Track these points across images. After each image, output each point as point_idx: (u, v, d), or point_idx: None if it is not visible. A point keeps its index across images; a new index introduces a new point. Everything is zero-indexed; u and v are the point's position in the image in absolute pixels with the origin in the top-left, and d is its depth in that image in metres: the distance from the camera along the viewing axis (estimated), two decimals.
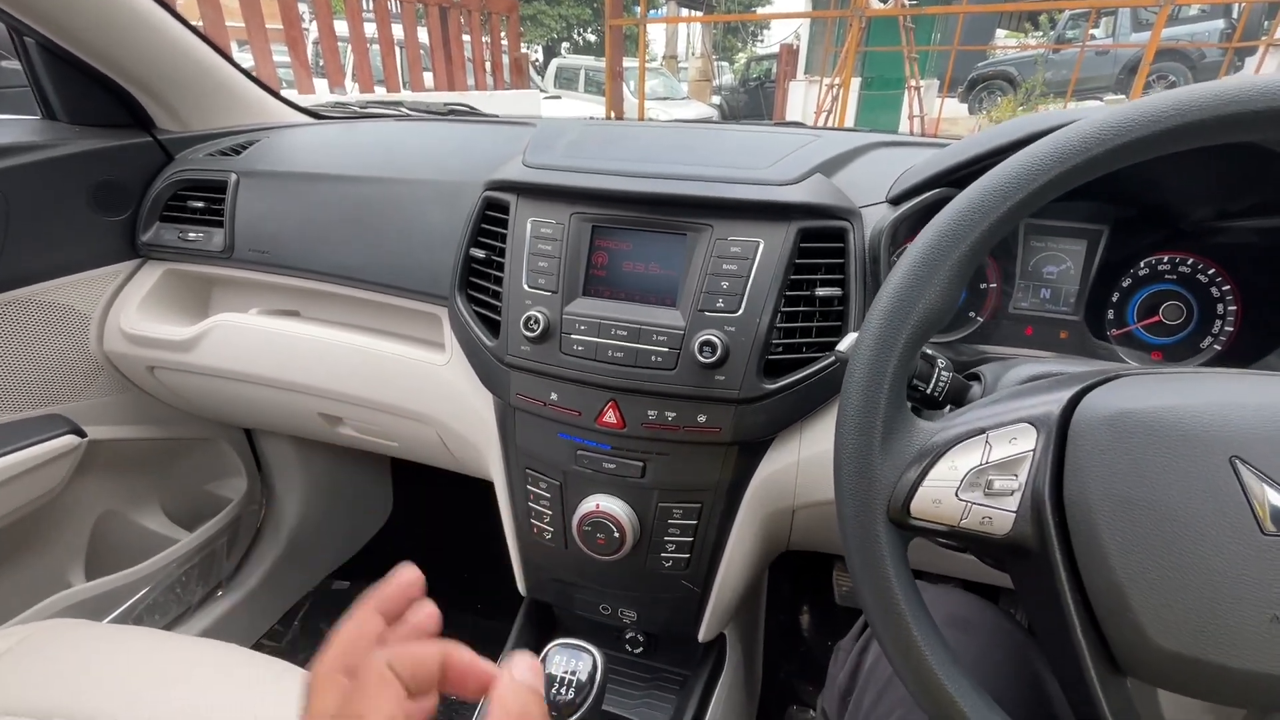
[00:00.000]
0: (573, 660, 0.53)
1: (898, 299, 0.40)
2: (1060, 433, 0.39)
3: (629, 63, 8.32)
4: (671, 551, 0.73)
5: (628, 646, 0.88)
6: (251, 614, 1.30)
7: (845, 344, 0.51)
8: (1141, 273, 0.71)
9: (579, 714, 0.51)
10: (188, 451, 1.23)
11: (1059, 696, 0.52)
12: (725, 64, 16.27)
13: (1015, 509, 0.39)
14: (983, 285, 0.74)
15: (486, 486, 0.88)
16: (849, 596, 1.20)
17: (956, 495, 0.40)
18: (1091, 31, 8.98)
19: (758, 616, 1.10)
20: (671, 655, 0.91)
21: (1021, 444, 0.39)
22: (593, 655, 0.53)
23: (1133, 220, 0.70)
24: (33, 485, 0.91)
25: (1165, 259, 0.70)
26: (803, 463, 0.71)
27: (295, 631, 1.35)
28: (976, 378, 0.51)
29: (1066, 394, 0.40)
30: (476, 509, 1.53)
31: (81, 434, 0.96)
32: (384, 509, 1.59)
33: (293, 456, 1.31)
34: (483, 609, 1.38)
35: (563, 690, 0.51)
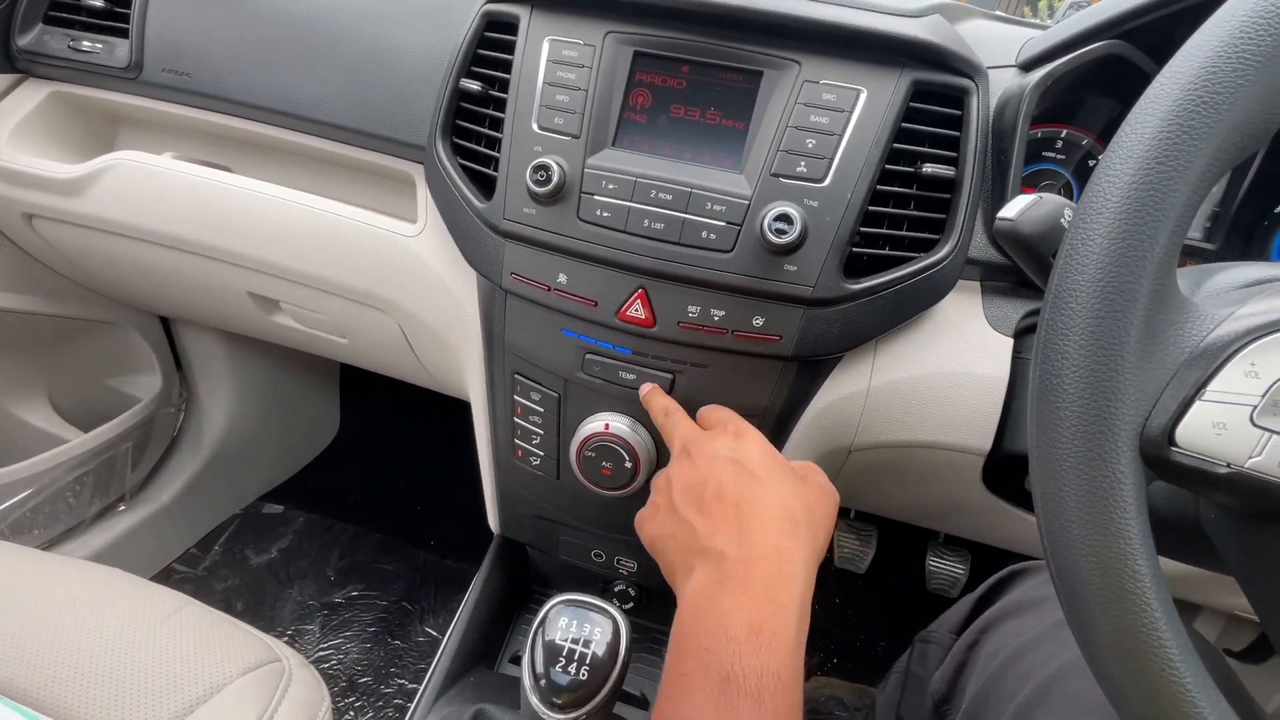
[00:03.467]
0: (584, 626, 0.37)
1: (1208, 85, 0.24)
2: None
3: None
4: None
5: (615, 600, 0.74)
6: (161, 533, 1.11)
7: (1015, 208, 0.35)
8: None
9: (592, 705, 0.35)
10: (85, 336, 1.01)
11: None
12: None
13: None
14: None
15: (453, 404, 0.70)
16: (850, 559, 1.08)
17: (1252, 419, 0.25)
18: None
19: None
20: (662, 613, 0.77)
21: None
22: (613, 619, 0.38)
23: None
24: None
25: None
26: (873, 392, 0.56)
27: (215, 556, 1.17)
28: None
29: None
30: (439, 433, 1.36)
31: None
32: (329, 428, 1.40)
33: (220, 354, 1.10)
34: (437, 546, 1.22)
35: (570, 667, 0.36)
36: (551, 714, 0.34)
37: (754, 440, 0.45)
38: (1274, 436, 0.25)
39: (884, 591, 1.19)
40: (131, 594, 0.59)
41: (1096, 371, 0.25)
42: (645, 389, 0.54)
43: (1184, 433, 0.25)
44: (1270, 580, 0.29)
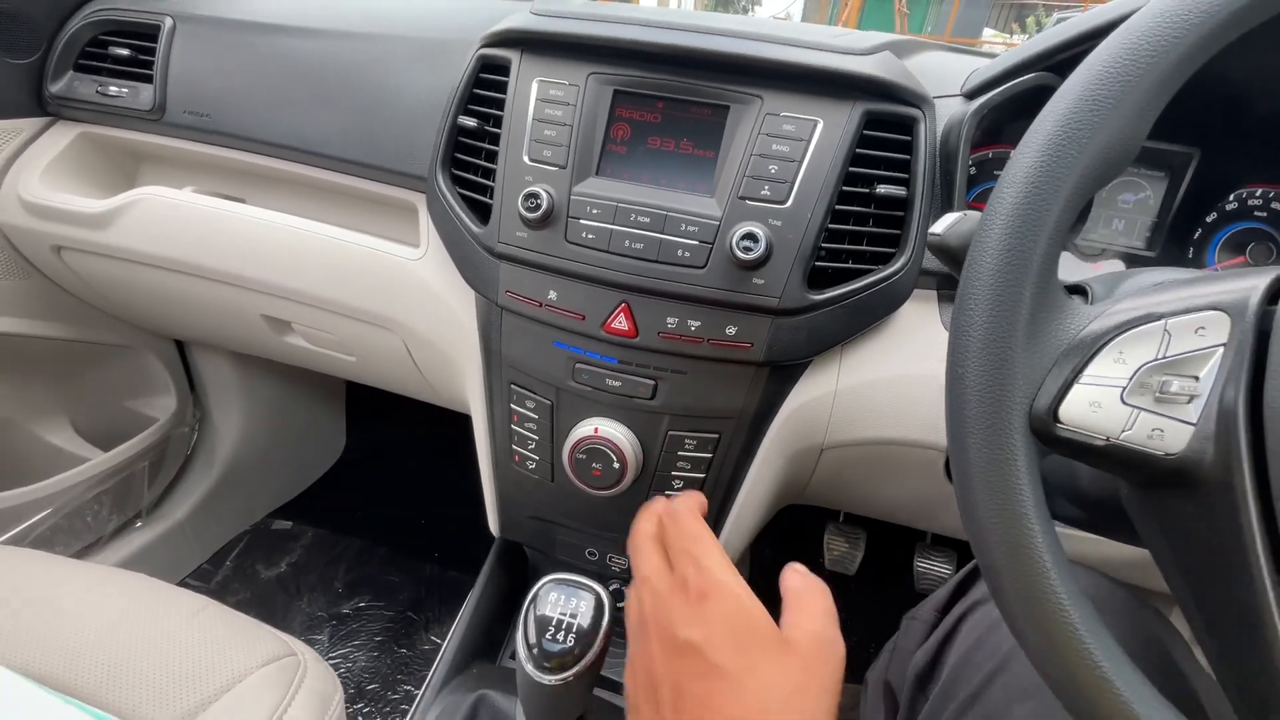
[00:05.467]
0: (571, 599, 0.42)
1: (1072, 123, 0.30)
2: (1260, 326, 0.29)
3: None
4: (679, 489, 0.63)
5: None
6: (175, 549, 1.15)
7: (943, 224, 0.40)
8: (1229, 207, 0.62)
9: (580, 666, 0.40)
10: (106, 360, 1.06)
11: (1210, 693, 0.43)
12: None
13: (1195, 420, 0.29)
14: None
15: (454, 420, 0.75)
16: (839, 561, 1.12)
17: (1122, 399, 0.30)
18: None
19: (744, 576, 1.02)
20: None
21: (1211, 336, 0.29)
22: (596, 594, 0.42)
23: (1231, 144, 0.61)
24: None
25: (1259, 192, 0.61)
26: (841, 393, 0.60)
27: (227, 571, 1.21)
28: (1079, 290, 0.41)
29: (1265, 279, 0.30)
30: (441, 448, 1.41)
31: None
32: (336, 444, 1.44)
33: (232, 376, 1.16)
34: (441, 558, 1.26)
35: (559, 636, 0.40)
36: (543, 676, 0.39)
37: (718, 603, 0.35)
38: (1141, 413, 0.30)
39: (874, 593, 1.23)
40: (158, 596, 0.63)
41: (991, 360, 0.30)
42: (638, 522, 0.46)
43: (1066, 411, 0.30)
44: (1163, 542, 0.34)
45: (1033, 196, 0.30)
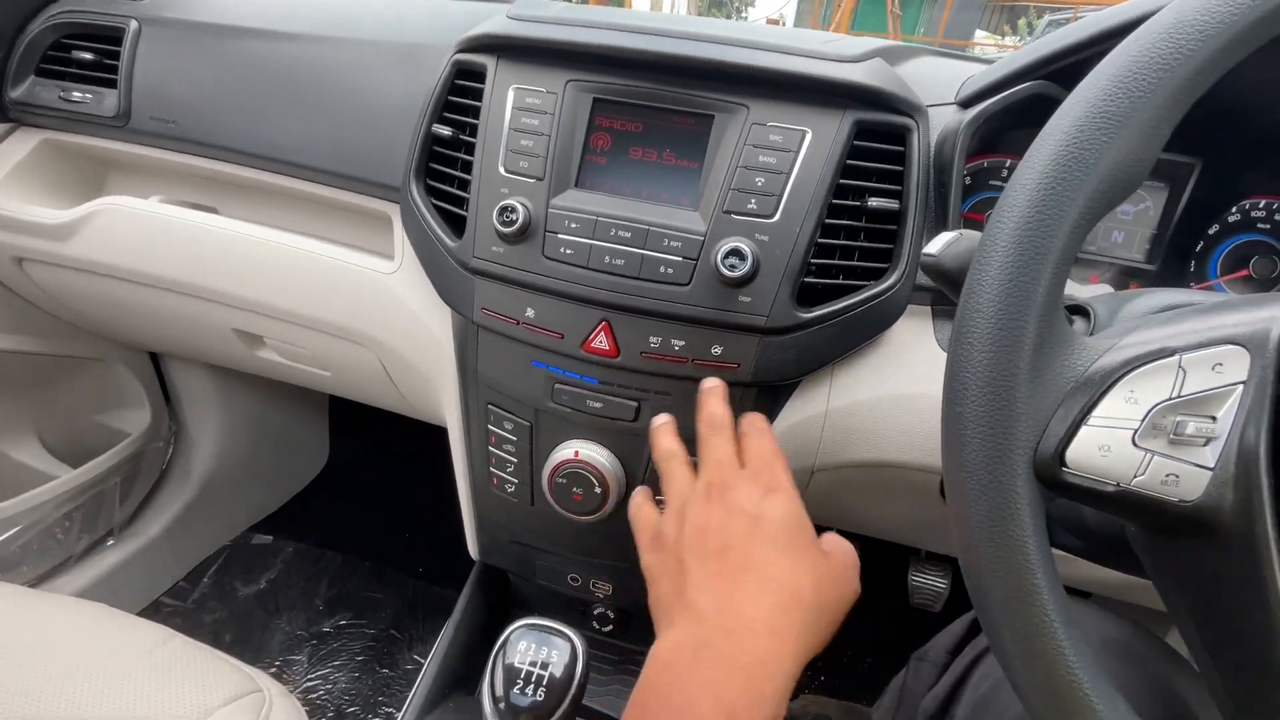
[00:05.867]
0: (543, 648, 0.39)
1: (1078, 141, 0.27)
2: None
3: None
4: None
5: (594, 624, 0.75)
6: (150, 567, 1.12)
7: (937, 244, 0.38)
8: (1232, 219, 0.60)
9: None
10: (74, 373, 1.03)
11: None
12: None
13: (1213, 465, 0.27)
14: None
15: (440, 432, 0.73)
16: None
17: (1134, 441, 0.27)
18: None
19: None
20: (641, 635, 0.78)
21: (1229, 373, 0.27)
22: (570, 641, 0.40)
23: (1234, 154, 0.59)
24: None
25: (1262, 204, 0.59)
26: (831, 414, 0.58)
27: (204, 589, 1.18)
28: (1081, 311, 0.39)
29: None
30: (427, 460, 1.38)
31: None
32: (318, 456, 1.41)
33: (208, 387, 1.12)
34: (426, 573, 1.23)
35: (527, 689, 0.37)
36: None
37: (783, 499, 0.41)
38: (1155, 456, 0.27)
39: (869, 608, 1.20)
40: (117, 629, 0.60)
41: (993, 401, 0.28)
42: (657, 422, 0.50)
43: (1073, 455, 0.28)
44: (1171, 587, 0.31)
45: (1036, 222, 0.27)
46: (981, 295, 0.28)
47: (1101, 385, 0.28)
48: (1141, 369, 0.28)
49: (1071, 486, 0.28)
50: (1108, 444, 0.27)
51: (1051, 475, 0.28)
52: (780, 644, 0.34)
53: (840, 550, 0.43)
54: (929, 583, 1.10)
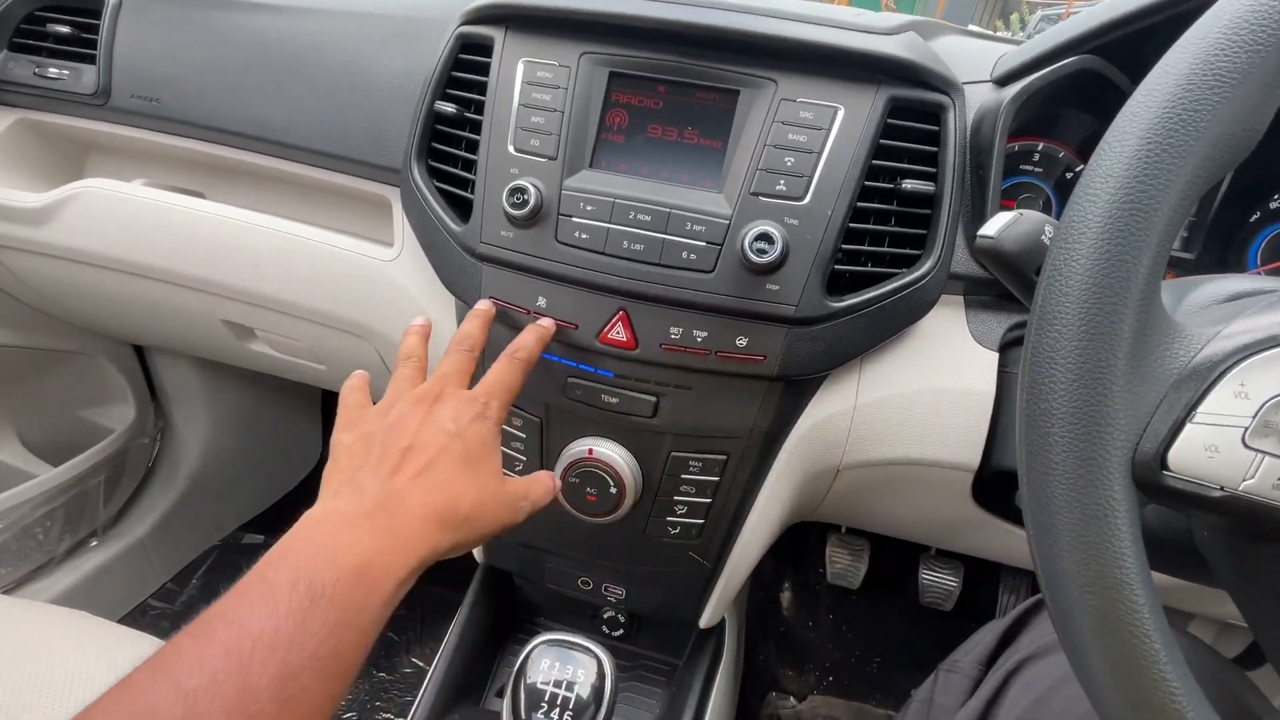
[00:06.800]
0: (568, 666, 0.36)
1: (1186, 101, 0.24)
2: None
3: None
4: (681, 515, 0.57)
5: (605, 628, 0.72)
6: (136, 569, 1.07)
7: (996, 225, 0.35)
8: (1274, 205, 0.57)
9: None
10: (54, 367, 0.98)
11: None
12: None
13: None
14: None
15: None
16: (842, 575, 1.07)
17: (1244, 441, 0.24)
18: None
19: (744, 594, 0.96)
20: (655, 639, 0.75)
21: None
22: (596, 658, 0.36)
23: (1275, 139, 0.56)
24: None
25: None
26: (860, 410, 0.55)
27: (193, 591, 1.14)
28: None
29: None
30: None
31: None
32: (312, 453, 1.37)
33: (196, 381, 1.08)
34: (428, 575, 1.19)
35: (553, 714, 0.34)
36: None
37: (485, 429, 0.42)
38: (1267, 458, 0.24)
39: (878, 607, 1.18)
40: (98, 639, 0.56)
41: (1085, 396, 0.25)
42: (416, 322, 0.51)
43: (1176, 456, 0.25)
44: (1264, 598, 0.28)
45: (1139, 191, 0.24)
46: (1072, 276, 0.25)
47: (1208, 378, 0.25)
48: (1252, 359, 0.25)
49: (1172, 491, 0.25)
50: (1215, 444, 0.24)
51: (1151, 479, 0.25)
52: (424, 534, 0.36)
53: (523, 484, 0.45)
54: (940, 580, 1.08)
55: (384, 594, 0.34)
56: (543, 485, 0.46)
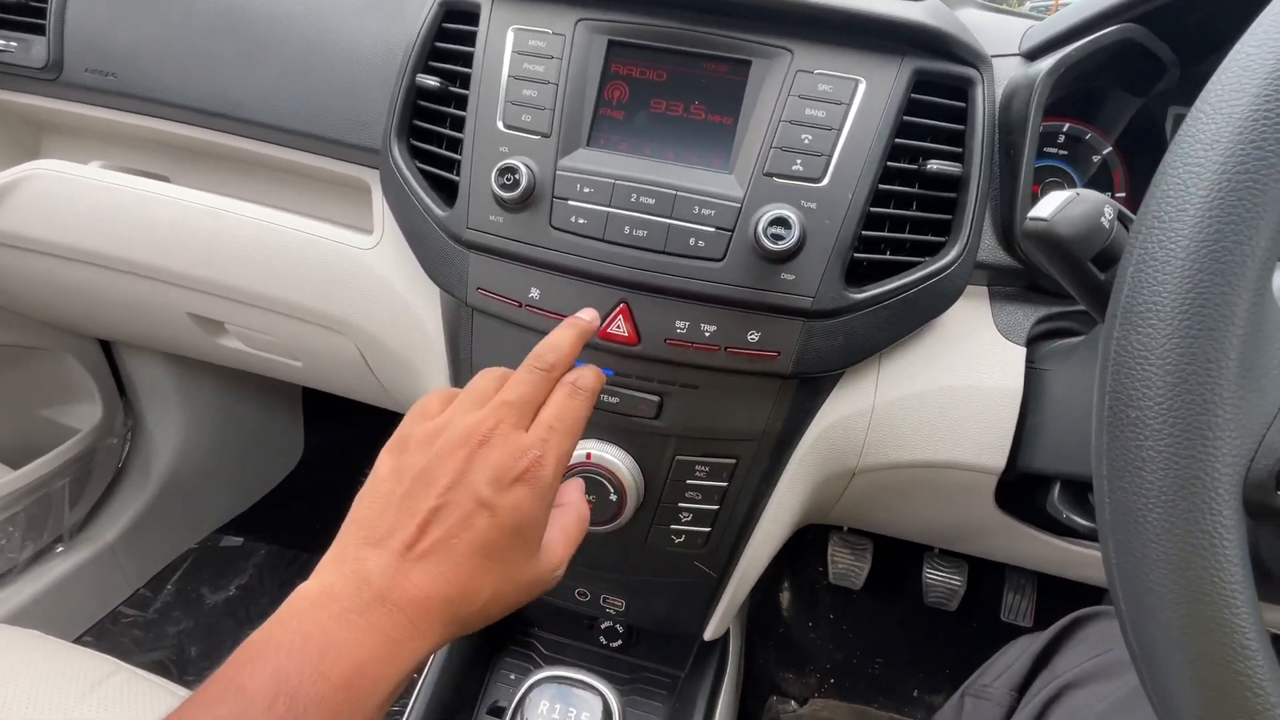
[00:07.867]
0: (570, 709, 0.31)
1: None
2: None
3: None
4: (686, 523, 0.53)
5: (603, 639, 0.68)
6: (105, 575, 1.02)
7: (1049, 206, 0.31)
8: None
9: None
10: (15, 364, 0.92)
11: None
12: None
13: None
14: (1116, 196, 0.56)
15: None
16: (845, 575, 1.04)
17: None
18: None
19: (745, 599, 0.93)
20: (655, 650, 0.72)
21: None
22: (603, 697, 0.32)
23: None
24: None
25: None
26: (879, 410, 0.51)
27: (167, 597, 1.09)
28: None
29: None
30: None
31: None
32: (293, 450, 1.32)
33: (168, 377, 1.02)
34: None
35: None
36: None
37: (528, 497, 0.33)
38: None
39: (879, 606, 1.15)
40: (51, 662, 0.51)
41: (1188, 403, 0.21)
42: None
43: None
44: None
45: (1254, 160, 0.20)
46: (1170, 259, 0.21)
47: None
48: None
49: None
50: None
51: (1265, 503, 0.21)
52: (426, 629, 0.31)
53: (557, 545, 0.36)
54: (944, 579, 1.05)
55: (372, 708, 0.29)
56: (573, 520, 0.38)
